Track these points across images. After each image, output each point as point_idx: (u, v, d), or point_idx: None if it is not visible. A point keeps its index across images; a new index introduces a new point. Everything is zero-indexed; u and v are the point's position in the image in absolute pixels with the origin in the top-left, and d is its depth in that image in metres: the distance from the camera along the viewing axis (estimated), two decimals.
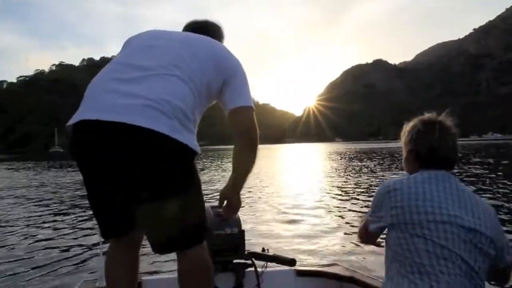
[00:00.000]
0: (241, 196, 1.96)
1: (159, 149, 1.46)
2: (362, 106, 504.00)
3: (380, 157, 32.76)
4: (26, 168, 32.04)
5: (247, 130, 1.76)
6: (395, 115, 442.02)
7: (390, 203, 1.48)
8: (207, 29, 1.99)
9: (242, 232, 2.25)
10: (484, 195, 9.82)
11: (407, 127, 1.64)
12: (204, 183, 13.75)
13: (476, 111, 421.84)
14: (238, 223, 2.27)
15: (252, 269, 2.33)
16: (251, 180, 10.77)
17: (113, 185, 1.57)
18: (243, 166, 1.83)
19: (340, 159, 32.77)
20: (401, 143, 1.67)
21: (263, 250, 2.39)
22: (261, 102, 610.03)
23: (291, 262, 2.20)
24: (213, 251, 2.00)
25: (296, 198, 10.13)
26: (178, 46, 1.71)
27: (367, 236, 1.68)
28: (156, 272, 4.10)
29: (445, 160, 1.53)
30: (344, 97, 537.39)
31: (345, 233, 6.11)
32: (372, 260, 4.61)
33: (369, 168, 20.68)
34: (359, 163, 25.28)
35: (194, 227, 1.64)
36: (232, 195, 1.90)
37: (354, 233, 5.79)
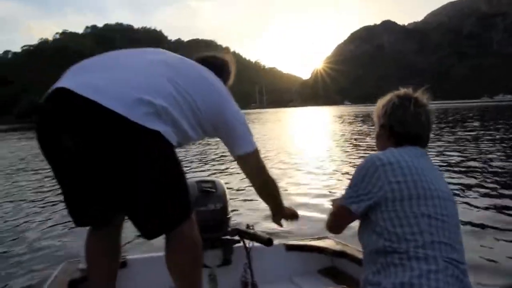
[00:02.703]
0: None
1: (126, 133, 1.43)
2: (371, 68, 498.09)
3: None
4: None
5: (254, 175, 1.89)
6: (404, 77, 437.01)
7: (387, 177, 1.36)
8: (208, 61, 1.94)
9: (225, 208, 2.21)
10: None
11: (381, 101, 1.58)
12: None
13: (486, 72, 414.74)
14: (222, 198, 2.23)
15: (240, 244, 2.28)
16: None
17: (79, 170, 1.52)
18: (269, 198, 2.03)
19: (346, 122, 32.39)
20: (377, 116, 1.59)
21: (248, 226, 2.32)
22: (267, 66, 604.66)
23: (268, 241, 2.13)
24: None
25: (295, 164, 9.97)
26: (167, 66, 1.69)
27: (347, 220, 1.54)
28: (141, 250, 3.78)
29: (418, 136, 1.50)
30: (352, 60, 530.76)
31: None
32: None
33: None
34: (366, 127, 24.94)
35: (176, 207, 1.60)
36: (278, 219, 2.15)
37: None
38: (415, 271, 1.24)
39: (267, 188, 1.96)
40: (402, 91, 1.55)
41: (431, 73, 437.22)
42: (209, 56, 2.02)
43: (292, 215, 2.17)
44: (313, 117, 50.22)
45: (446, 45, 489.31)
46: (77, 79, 1.50)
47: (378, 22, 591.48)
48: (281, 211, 2.09)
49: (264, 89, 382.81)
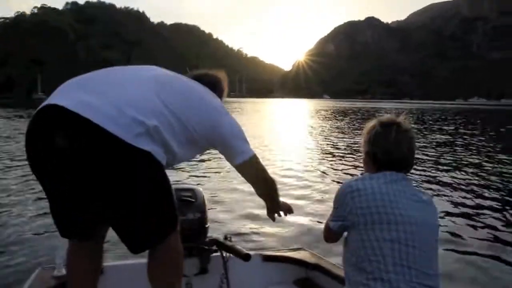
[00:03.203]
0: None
1: (114, 152, 1.45)
2: (352, 64, 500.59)
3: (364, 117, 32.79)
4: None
5: (254, 180, 1.95)
6: (385, 75, 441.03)
7: (354, 203, 1.46)
8: (200, 78, 1.99)
9: (204, 218, 2.25)
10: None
11: (366, 128, 1.63)
12: None
13: (466, 75, 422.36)
14: (201, 208, 2.25)
15: (218, 254, 2.31)
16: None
17: (66, 184, 1.53)
18: (267, 198, 2.09)
19: (326, 118, 32.68)
20: (364, 144, 1.65)
21: (226, 237, 2.37)
22: (249, 55, 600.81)
23: (245, 257, 2.16)
24: None
25: (275, 163, 9.98)
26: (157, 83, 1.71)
27: (329, 235, 1.69)
28: (119, 257, 3.75)
29: (400, 163, 1.54)
30: (335, 54, 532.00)
31: (313, 213, 5.85)
32: (340, 245, 4.35)
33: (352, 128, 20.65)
34: (345, 123, 25.24)
35: (164, 223, 1.64)
36: (273, 215, 2.19)
37: (323, 213, 5.57)
38: None
39: (267, 190, 2.02)
40: (385, 117, 1.59)
41: (412, 72, 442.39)
42: (201, 74, 2.05)
43: (287, 210, 2.24)
44: (293, 110, 50.26)
45: (428, 46, 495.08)
46: (70, 96, 1.50)
47: (362, 18, 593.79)
48: (277, 207, 2.15)
49: (245, 78, 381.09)
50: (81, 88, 1.56)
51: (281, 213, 2.23)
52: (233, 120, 1.83)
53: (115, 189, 1.49)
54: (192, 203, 2.22)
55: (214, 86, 1.98)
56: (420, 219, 1.44)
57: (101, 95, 1.51)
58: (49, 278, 2.18)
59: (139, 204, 1.52)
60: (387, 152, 1.53)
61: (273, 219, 2.21)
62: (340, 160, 11.19)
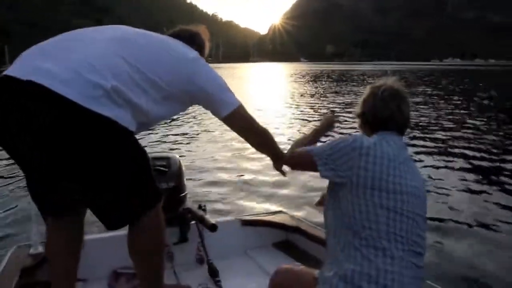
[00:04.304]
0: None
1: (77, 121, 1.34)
2: (328, 26, 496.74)
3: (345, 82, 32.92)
4: None
5: (244, 130, 1.81)
6: (361, 37, 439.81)
7: (360, 161, 1.39)
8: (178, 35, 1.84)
9: (179, 187, 2.24)
10: None
11: (366, 93, 1.62)
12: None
13: (441, 35, 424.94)
14: (175, 177, 2.23)
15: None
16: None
17: (35, 158, 1.43)
18: (265, 148, 1.95)
19: (305, 82, 32.66)
20: (357, 108, 1.64)
21: (200, 206, 2.38)
22: (224, 18, 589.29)
23: (212, 227, 2.19)
24: None
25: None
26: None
27: (308, 168, 1.58)
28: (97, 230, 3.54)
29: (388, 120, 1.53)
30: (311, 16, 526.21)
31: (293, 176, 5.55)
32: (319, 208, 4.17)
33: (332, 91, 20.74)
34: (325, 86, 25.30)
35: (137, 196, 1.53)
36: (279, 166, 1.96)
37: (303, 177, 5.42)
38: (373, 262, 1.29)
39: (260, 138, 1.88)
40: (386, 84, 1.58)
41: (388, 34, 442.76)
42: (176, 30, 1.91)
43: (286, 163, 2.07)
44: (272, 75, 49.61)
45: (403, 6, 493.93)
46: (26, 64, 1.42)
47: None
48: (281, 158, 1.93)
49: (221, 43, 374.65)
50: (41, 55, 1.46)
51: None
52: (212, 70, 1.72)
53: (77, 164, 1.38)
54: (166, 173, 2.17)
55: (191, 39, 1.84)
56: (421, 191, 1.44)
57: (60, 60, 1.41)
58: (25, 256, 2.09)
59: (107, 179, 1.42)
60: (374, 110, 1.54)
61: (282, 172, 1.99)
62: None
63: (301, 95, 20.09)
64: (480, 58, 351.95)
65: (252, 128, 1.80)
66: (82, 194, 1.47)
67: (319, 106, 15.12)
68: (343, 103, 15.87)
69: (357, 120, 1.67)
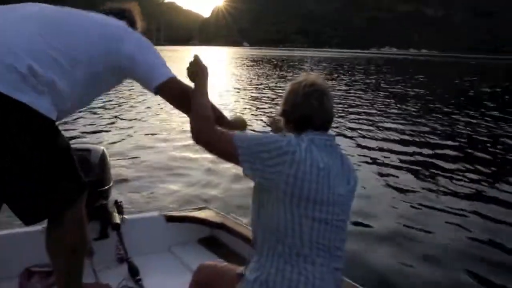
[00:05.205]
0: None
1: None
2: (271, 12, 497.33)
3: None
4: None
5: (181, 101, 1.63)
6: (302, 24, 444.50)
7: (290, 169, 1.31)
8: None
9: (100, 180, 2.19)
10: None
11: (287, 90, 1.52)
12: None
13: (380, 25, 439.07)
14: (97, 169, 2.17)
15: (124, 216, 2.33)
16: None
17: None
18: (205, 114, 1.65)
19: (249, 66, 32.75)
20: (280, 104, 1.54)
21: (116, 202, 2.39)
22: (166, 0, 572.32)
23: (114, 226, 2.22)
24: None
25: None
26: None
27: (221, 152, 1.45)
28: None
29: (325, 123, 1.46)
30: (252, 1, 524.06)
31: (220, 171, 5.62)
32: (246, 203, 4.06)
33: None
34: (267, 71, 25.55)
35: (59, 188, 1.45)
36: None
37: (234, 172, 5.23)
38: (295, 267, 1.30)
39: (201, 108, 1.59)
40: (307, 79, 1.50)
41: (329, 22, 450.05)
42: (105, 8, 1.82)
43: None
44: (216, 59, 48.95)
45: None
46: None
47: None
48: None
49: (163, 25, 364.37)
50: None
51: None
52: (143, 37, 1.64)
53: None
54: (86, 165, 2.05)
55: (121, 15, 1.76)
56: (348, 198, 1.43)
57: None
58: None
59: (25, 171, 1.34)
60: (296, 108, 1.45)
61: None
62: (263, 110, 11.31)
63: (241, 79, 20.23)
64: (413, 48, 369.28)
65: (189, 99, 1.57)
66: None
67: (257, 92, 15.28)
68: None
69: (284, 117, 1.54)
